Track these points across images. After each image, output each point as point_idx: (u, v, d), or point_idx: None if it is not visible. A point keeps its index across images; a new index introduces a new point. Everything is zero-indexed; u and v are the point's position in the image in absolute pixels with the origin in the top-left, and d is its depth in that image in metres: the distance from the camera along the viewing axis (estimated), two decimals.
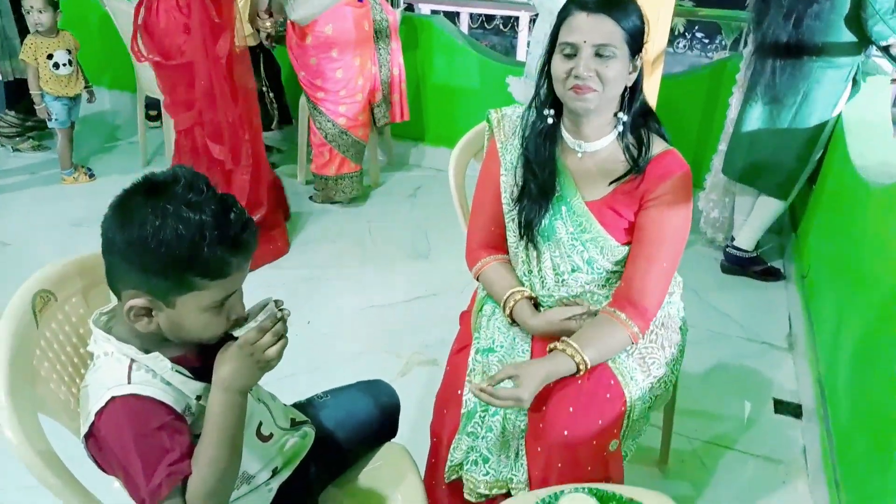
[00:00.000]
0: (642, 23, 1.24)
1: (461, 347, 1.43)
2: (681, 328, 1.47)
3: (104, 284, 0.94)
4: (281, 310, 0.93)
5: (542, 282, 1.39)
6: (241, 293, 0.91)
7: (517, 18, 6.84)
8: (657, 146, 1.31)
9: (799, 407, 2.07)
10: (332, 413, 1.18)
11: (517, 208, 1.37)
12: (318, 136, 3.20)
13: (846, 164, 2.23)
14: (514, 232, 1.40)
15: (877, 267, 1.74)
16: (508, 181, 1.40)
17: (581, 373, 1.23)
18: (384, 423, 1.25)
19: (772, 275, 2.78)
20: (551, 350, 1.26)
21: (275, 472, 1.02)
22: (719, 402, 2.08)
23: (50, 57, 3.33)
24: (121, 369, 0.85)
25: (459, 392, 1.33)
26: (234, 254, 0.85)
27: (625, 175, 1.29)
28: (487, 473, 1.26)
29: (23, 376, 0.84)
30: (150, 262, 0.82)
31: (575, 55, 1.21)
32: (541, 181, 1.33)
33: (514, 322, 1.38)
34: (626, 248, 1.33)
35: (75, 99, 3.50)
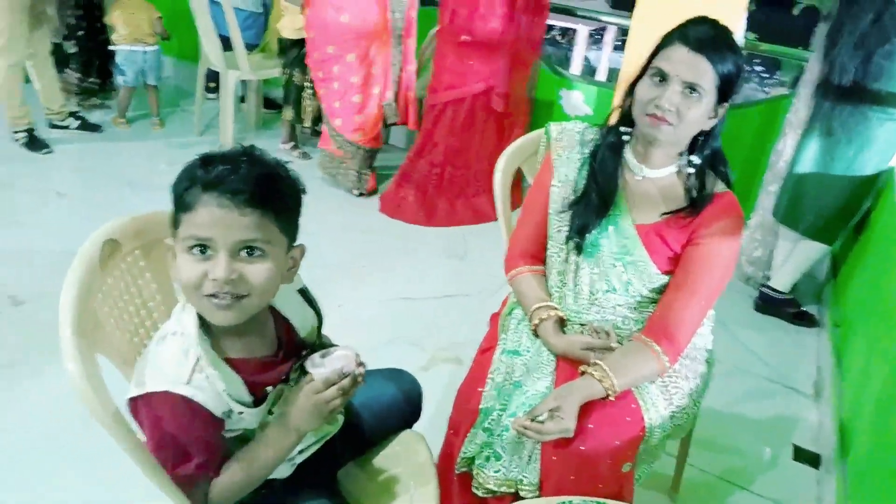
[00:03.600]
0: (739, 73, 1.25)
1: (488, 347, 1.45)
2: (707, 360, 1.47)
3: (163, 243, 1.01)
4: (360, 364, 0.99)
5: (576, 297, 1.40)
6: (227, 262, 0.86)
7: (575, 31, 6.80)
8: (717, 186, 1.34)
9: (818, 456, 2.04)
10: (358, 395, 1.21)
11: (572, 212, 1.39)
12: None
13: (894, 216, 2.20)
14: (557, 243, 1.42)
15: None
16: (561, 193, 1.42)
17: (609, 398, 1.24)
18: (406, 410, 1.29)
19: (805, 319, 2.75)
20: (583, 373, 1.27)
21: (300, 451, 1.06)
22: (737, 439, 2.07)
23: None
24: (185, 366, 0.88)
25: (480, 389, 1.35)
26: (207, 190, 0.85)
27: (679, 210, 1.32)
28: (498, 471, 1.28)
29: (86, 315, 0.90)
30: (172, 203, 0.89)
31: (663, 85, 1.24)
32: (603, 191, 1.36)
33: (536, 335, 1.40)
34: (665, 277, 1.35)
35: (146, 56, 3.79)
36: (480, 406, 1.33)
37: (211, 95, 4.34)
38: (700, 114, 1.24)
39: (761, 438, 2.09)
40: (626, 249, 1.35)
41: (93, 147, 3.68)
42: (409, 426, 1.31)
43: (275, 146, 3.87)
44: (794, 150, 2.61)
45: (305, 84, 3.53)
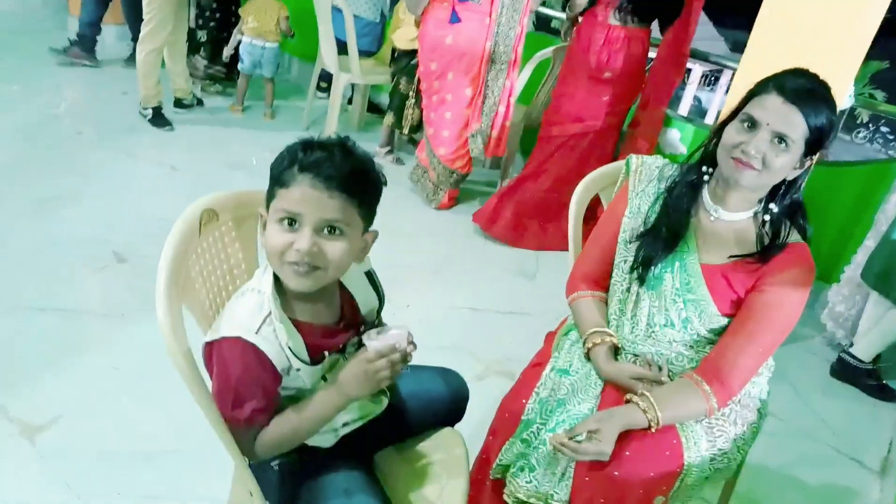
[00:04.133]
0: (830, 127, 1.25)
1: (538, 363, 1.49)
2: (759, 410, 1.45)
3: (254, 218, 1.16)
4: (411, 342, 1.07)
5: (633, 328, 1.42)
6: (311, 236, 0.96)
7: (690, 70, 6.63)
8: (792, 237, 1.33)
9: None
10: (408, 383, 1.29)
11: (640, 243, 1.41)
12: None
13: None
14: (622, 272, 1.44)
15: None
16: (631, 224, 1.44)
17: (651, 430, 1.25)
18: (451, 408, 1.35)
19: (883, 392, 2.60)
20: (628, 401, 1.29)
21: (344, 424, 1.14)
22: (785, 503, 2.00)
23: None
24: (258, 317, 0.99)
25: (524, 400, 1.39)
26: (303, 171, 0.95)
27: (747, 256, 1.32)
28: (530, 482, 1.31)
29: (180, 272, 1.03)
30: (270, 177, 1.01)
31: (752, 131, 1.25)
32: (673, 226, 1.37)
33: (588, 359, 1.43)
34: (725, 320, 1.34)
35: (264, 51, 4.12)
36: (522, 417, 1.37)
37: (322, 95, 4.60)
38: (786, 163, 1.25)
39: None
40: (689, 287, 1.36)
41: (209, 129, 4.01)
42: (452, 424, 1.37)
43: (372, 148, 4.05)
44: None
45: (410, 93, 3.69)
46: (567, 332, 1.53)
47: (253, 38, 4.07)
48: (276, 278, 1.02)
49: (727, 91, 5.20)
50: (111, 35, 5.11)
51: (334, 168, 0.96)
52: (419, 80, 3.46)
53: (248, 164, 3.50)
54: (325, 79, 4.44)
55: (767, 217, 1.33)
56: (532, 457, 1.33)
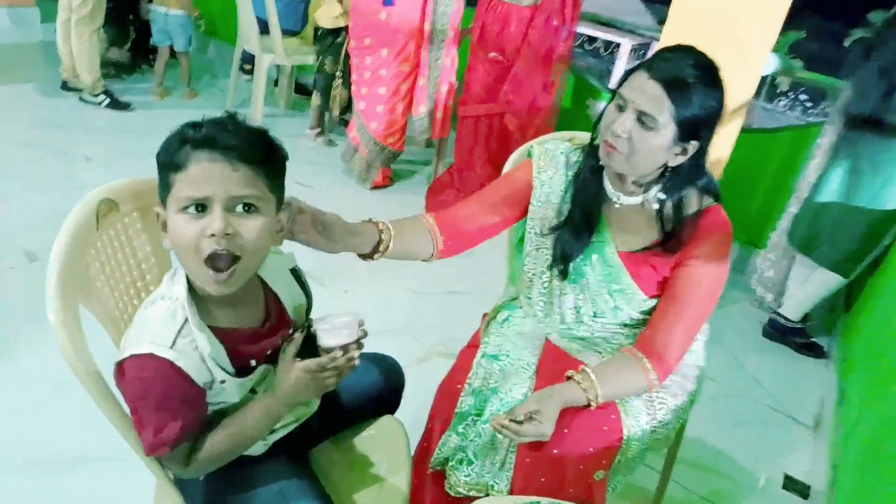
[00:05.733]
0: (708, 116, 1.16)
1: (474, 344, 1.46)
2: (697, 377, 1.46)
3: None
4: (360, 328, 1.00)
5: (562, 319, 1.40)
6: (224, 216, 0.86)
7: (618, 45, 6.77)
8: (704, 201, 1.28)
9: (808, 488, 2.01)
10: None
11: (555, 237, 1.36)
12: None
13: None
14: (537, 263, 1.40)
15: None
16: (540, 213, 1.38)
17: (591, 407, 1.23)
18: (387, 397, 1.30)
19: (813, 350, 2.70)
20: (568, 378, 1.25)
21: (273, 431, 1.06)
22: (727, 463, 2.05)
23: None
24: (171, 328, 0.88)
25: (459, 386, 1.35)
26: (198, 147, 0.85)
27: (653, 247, 1.28)
28: (469, 476, 1.28)
29: (75, 269, 0.92)
30: (158, 170, 0.90)
31: (621, 112, 1.19)
32: (585, 216, 1.32)
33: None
34: (655, 300, 1.32)
35: (167, 18, 3.91)
36: (456, 410, 1.33)
37: (246, 77, 4.42)
38: (654, 145, 1.17)
39: (752, 464, 2.07)
40: (612, 278, 1.32)
41: (125, 115, 3.78)
42: (390, 413, 1.32)
43: (303, 130, 3.92)
44: (818, 175, 2.57)
45: (336, 73, 3.57)
46: (496, 315, 1.49)
47: (155, 5, 3.90)
48: (189, 280, 0.92)
49: None
50: (5, 18, 4.78)
51: (232, 137, 0.86)
52: (348, 57, 3.35)
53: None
54: (249, 60, 4.27)
55: (656, 206, 1.27)
56: (469, 450, 1.29)
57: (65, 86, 3.84)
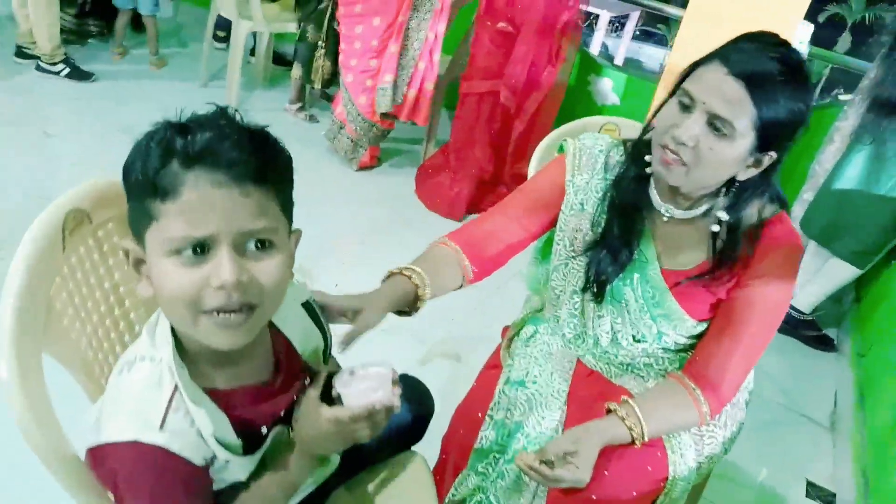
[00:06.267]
0: (793, 121, 0.96)
1: (494, 364, 1.29)
2: (746, 402, 1.31)
3: None
4: (395, 382, 0.82)
5: (596, 343, 1.22)
6: (234, 260, 0.65)
7: (597, 16, 6.65)
8: (766, 211, 1.08)
9: (833, 496, 1.92)
10: None
11: (590, 255, 1.17)
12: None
13: None
14: (568, 280, 1.22)
15: None
16: (571, 223, 1.19)
17: (636, 446, 1.06)
18: (412, 431, 1.13)
19: (824, 343, 2.61)
20: (609, 411, 1.08)
21: None
22: (747, 470, 1.94)
23: None
24: (159, 401, 0.68)
25: (480, 415, 1.19)
26: (192, 165, 0.63)
27: (708, 273, 1.09)
28: None
29: (35, 308, 0.72)
30: (127, 192, 0.68)
31: (687, 112, 0.99)
32: (625, 233, 1.13)
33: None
34: (706, 323, 1.14)
35: None
36: (475, 446, 1.16)
37: (220, 45, 4.12)
38: (725, 157, 0.97)
39: (773, 470, 1.96)
40: (656, 301, 1.14)
41: (86, 85, 3.46)
42: (411, 445, 1.15)
43: (281, 105, 3.67)
44: (837, 161, 2.43)
45: (319, 42, 3.32)
46: (520, 329, 1.32)
47: None
48: (175, 333, 0.71)
49: (633, 37, 5.10)
50: None
51: (236, 149, 0.64)
52: (332, 24, 3.09)
53: (138, 125, 3.02)
54: (223, 27, 3.96)
55: (716, 228, 1.08)
56: (490, 492, 1.13)
57: (20, 52, 3.51)
